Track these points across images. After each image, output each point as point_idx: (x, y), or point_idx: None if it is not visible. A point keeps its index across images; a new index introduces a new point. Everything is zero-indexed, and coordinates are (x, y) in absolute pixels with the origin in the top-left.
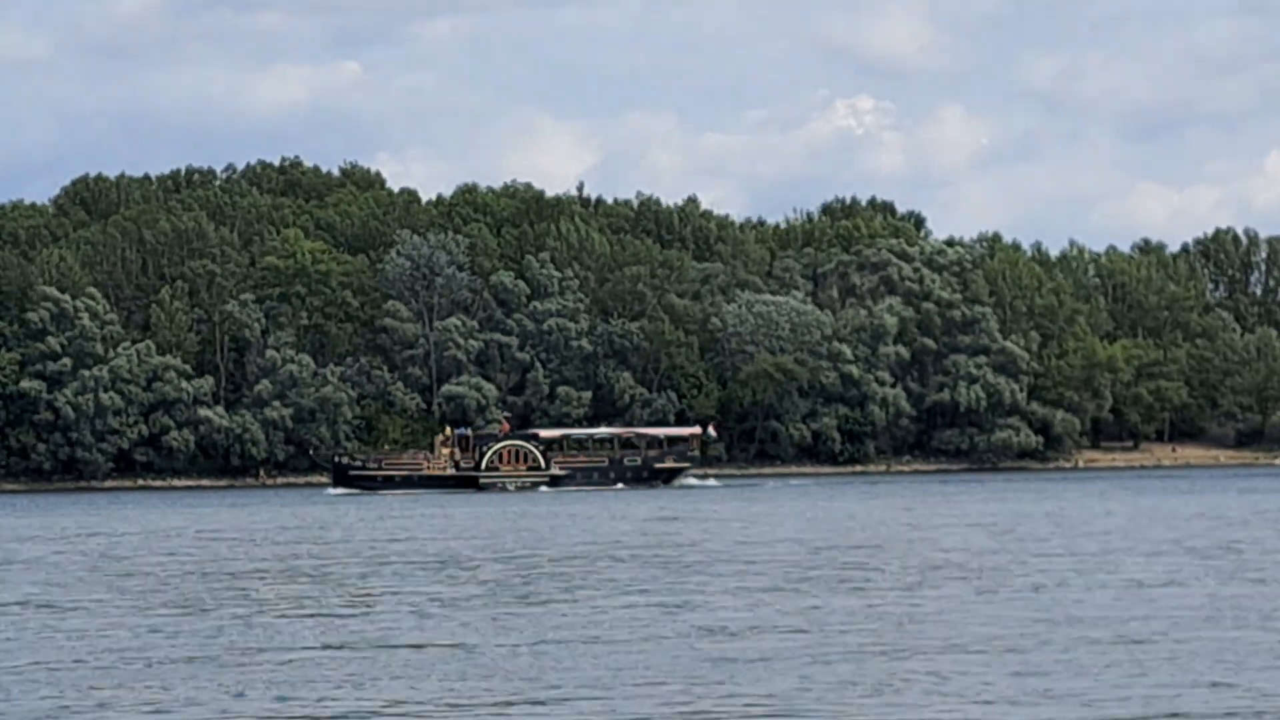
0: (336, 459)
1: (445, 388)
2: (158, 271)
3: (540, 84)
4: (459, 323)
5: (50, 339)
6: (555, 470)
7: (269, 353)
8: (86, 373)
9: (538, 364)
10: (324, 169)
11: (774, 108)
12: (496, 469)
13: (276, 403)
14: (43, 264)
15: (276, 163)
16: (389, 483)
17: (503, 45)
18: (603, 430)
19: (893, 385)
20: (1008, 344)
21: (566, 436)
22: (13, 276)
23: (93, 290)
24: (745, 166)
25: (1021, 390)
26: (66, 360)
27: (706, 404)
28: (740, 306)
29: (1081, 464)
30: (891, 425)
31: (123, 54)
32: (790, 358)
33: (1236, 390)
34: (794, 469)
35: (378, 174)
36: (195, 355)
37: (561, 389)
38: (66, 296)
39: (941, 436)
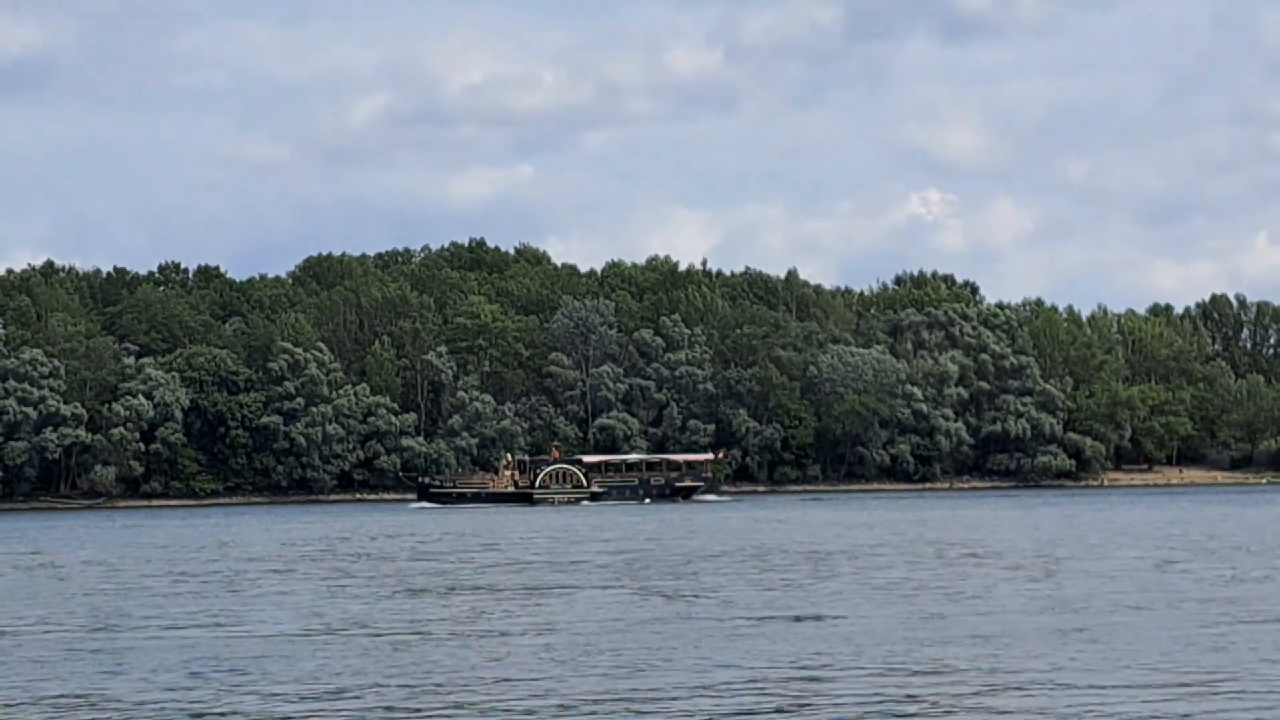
0: (420, 479)
1: (598, 421)
2: (371, 329)
3: (675, 180)
4: (609, 370)
5: (287, 383)
6: (595, 488)
7: (459, 394)
8: (315, 409)
9: (672, 403)
10: (503, 248)
11: (860, 199)
12: (548, 487)
13: (465, 433)
14: (282, 325)
15: (465, 243)
16: (462, 498)
17: (646, 150)
18: (633, 456)
19: (955, 419)
20: (1047, 386)
21: (604, 461)
22: (258, 335)
23: (320, 345)
24: (837, 245)
25: (1058, 423)
26: (300, 400)
27: (805, 434)
28: (833, 357)
29: (1106, 483)
30: (954, 451)
31: (347, 158)
32: (873, 397)
33: (1231, 424)
34: (875, 486)
35: (545, 252)
36: (401, 395)
37: (691, 422)
38: (300, 349)
39: (994, 460)
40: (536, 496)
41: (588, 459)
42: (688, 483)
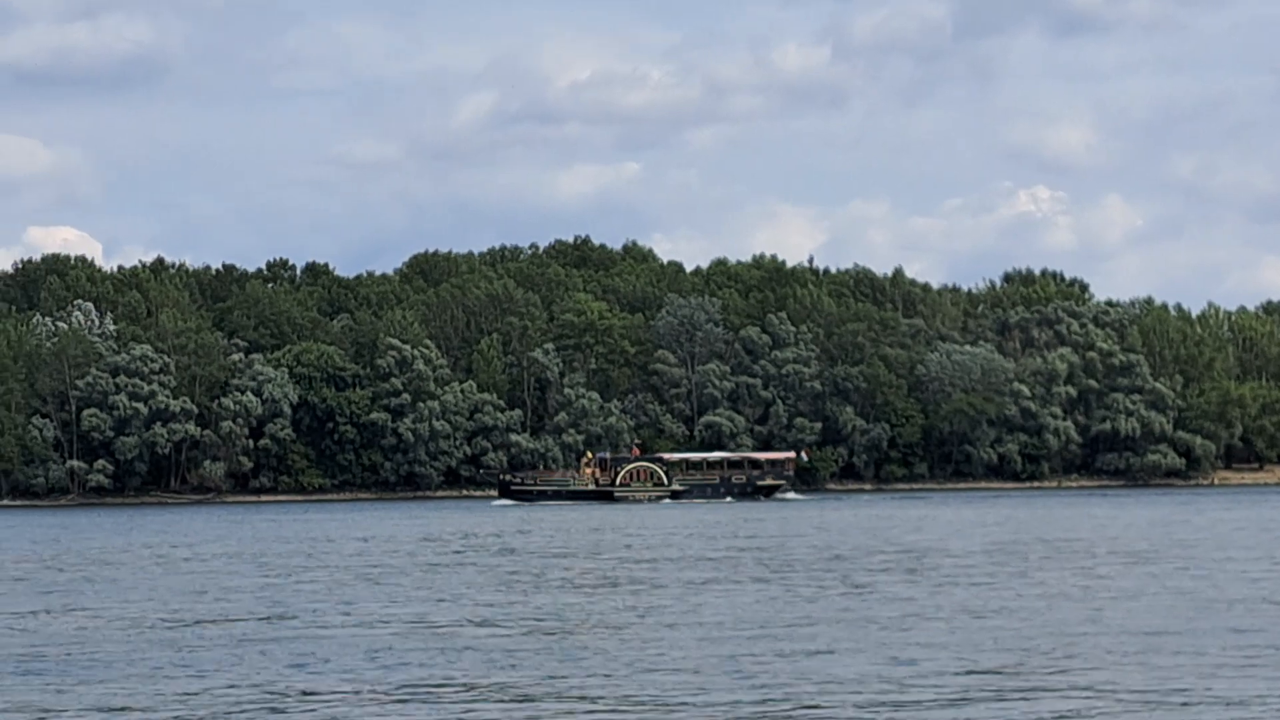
0: (501, 477)
1: (705, 418)
2: (478, 326)
3: (782, 178)
4: (715, 368)
5: (394, 379)
6: (676, 486)
7: (565, 390)
8: (422, 405)
9: (778, 400)
10: (609, 246)
11: (968, 196)
12: (629, 485)
13: (571, 430)
14: (389, 321)
15: (571, 241)
16: (543, 496)
17: (753, 148)
18: (715, 454)
19: (1063, 418)
20: (1157, 385)
21: (685, 459)
22: (366, 331)
23: (428, 341)
24: (944, 243)
25: (1168, 422)
26: (407, 396)
27: (912, 432)
28: (941, 355)
29: (1216, 482)
30: (1062, 450)
31: (454, 156)
32: (980, 396)
33: None
34: (983, 484)
35: (651, 250)
36: (507, 392)
37: (797, 420)
38: (408, 346)
39: (1103, 459)
40: (617, 494)
41: (669, 457)
42: (769, 481)
